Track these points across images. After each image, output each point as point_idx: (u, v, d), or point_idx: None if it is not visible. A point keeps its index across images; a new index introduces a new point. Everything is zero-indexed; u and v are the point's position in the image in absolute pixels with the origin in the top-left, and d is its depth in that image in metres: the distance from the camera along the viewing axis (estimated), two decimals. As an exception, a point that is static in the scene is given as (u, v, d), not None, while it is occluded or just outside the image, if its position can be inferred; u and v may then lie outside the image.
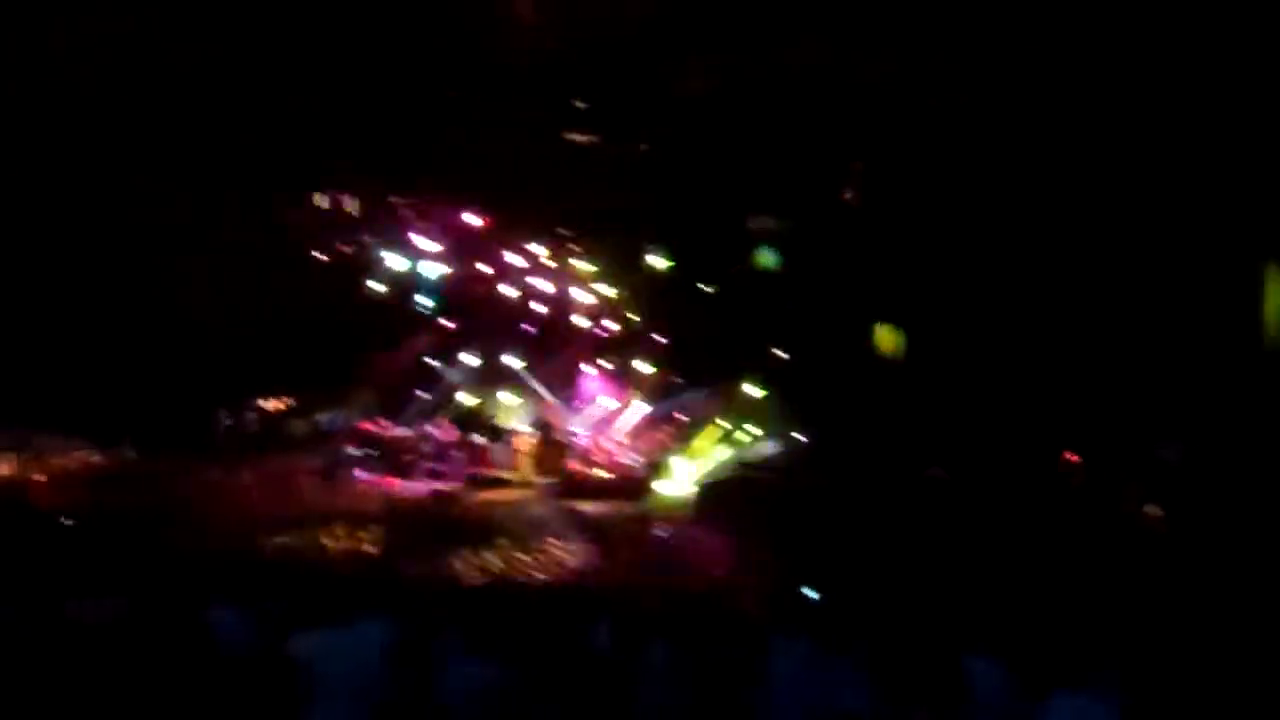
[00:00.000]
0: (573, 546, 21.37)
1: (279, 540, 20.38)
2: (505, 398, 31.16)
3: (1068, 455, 24.67)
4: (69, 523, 19.54)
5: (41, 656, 7.07)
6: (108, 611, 7.73)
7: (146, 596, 8.21)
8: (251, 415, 30.19)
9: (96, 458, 25.78)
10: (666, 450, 29.72)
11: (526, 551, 20.80)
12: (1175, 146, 20.20)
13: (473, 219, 29.56)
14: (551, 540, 21.61)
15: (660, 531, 23.40)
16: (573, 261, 30.67)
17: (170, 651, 6.92)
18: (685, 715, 7.37)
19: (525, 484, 28.11)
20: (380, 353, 29.77)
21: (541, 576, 19.43)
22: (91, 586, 8.44)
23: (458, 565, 19.51)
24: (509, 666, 7.26)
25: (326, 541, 20.59)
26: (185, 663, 6.90)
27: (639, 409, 30.79)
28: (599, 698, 7.26)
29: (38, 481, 23.55)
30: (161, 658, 6.88)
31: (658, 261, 29.37)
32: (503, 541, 21.18)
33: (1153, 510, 22.00)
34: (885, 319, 26.10)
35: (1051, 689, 6.80)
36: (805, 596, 15.32)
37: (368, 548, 20.63)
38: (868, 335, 26.18)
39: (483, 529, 22.46)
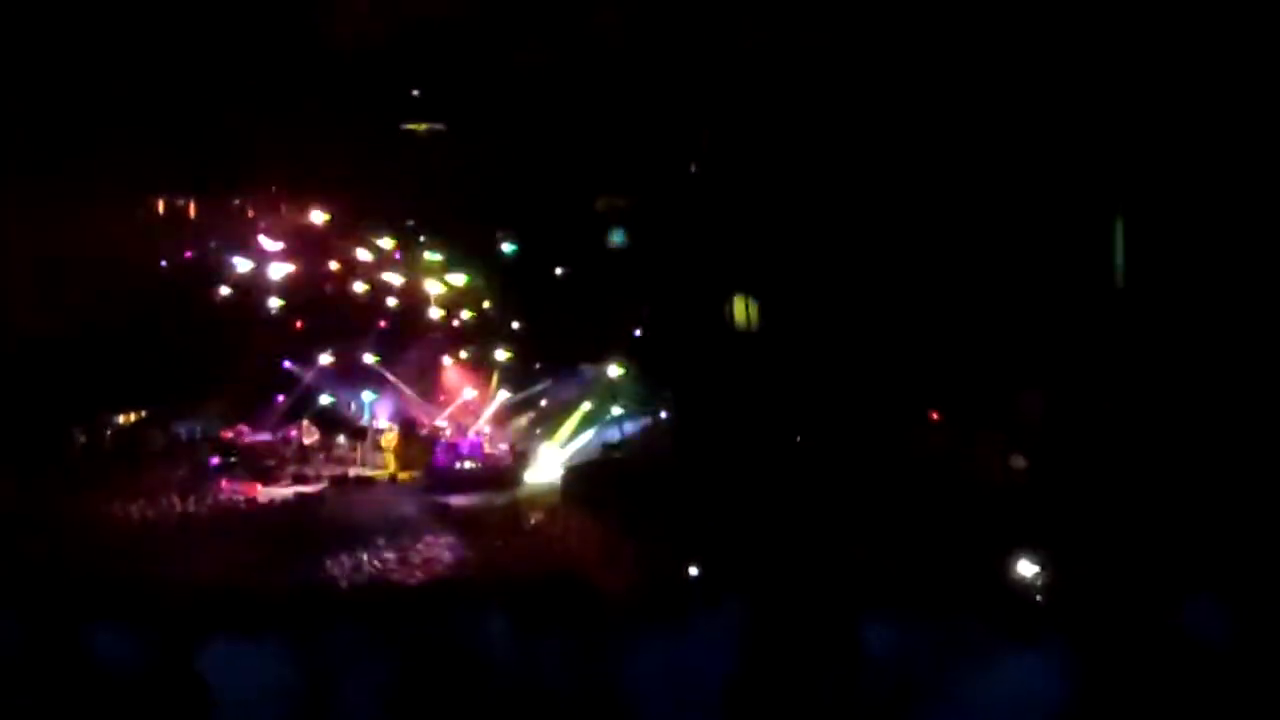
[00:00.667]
0: (444, 540, 21.25)
1: (148, 555, 20.04)
2: (365, 395, 30.93)
3: (929, 412, 24.94)
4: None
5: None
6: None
7: (20, 618, 7.99)
8: (106, 430, 29.66)
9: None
10: (532, 438, 29.71)
11: (399, 550, 20.65)
12: (1023, 93, 20.45)
13: (317, 216, 29.26)
14: (423, 536, 21.49)
15: (530, 519, 23.40)
16: (422, 253, 30.46)
17: (52, 673, 6.74)
18: (562, 700, 7.35)
19: (392, 481, 27.94)
20: (234, 358, 29.36)
21: (418, 573, 19.28)
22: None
23: (331, 568, 19.30)
24: (402, 666, 7.17)
25: (196, 553, 20.27)
26: (69, 684, 6.72)
27: (501, 398, 30.71)
28: (490, 691, 7.21)
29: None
30: (43, 680, 6.70)
31: (507, 247, 29.26)
32: (376, 540, 21.01)
33: (1017, 461, 22.28)
34: (738, 290, 26.18)
35: (982, 649, 6.83)
36: (676, 571, 15.39)
37: (240, 556, 20.33)
38: (722, 307, 26.26)
39: (353, 530, 22.28)
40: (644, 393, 29.10)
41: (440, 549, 20.74)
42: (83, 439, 28.85)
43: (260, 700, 6.54)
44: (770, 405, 24.96)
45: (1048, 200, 21.25)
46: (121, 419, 30.09)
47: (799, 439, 25.11)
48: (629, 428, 29.06)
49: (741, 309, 26.19)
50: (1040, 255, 21.55)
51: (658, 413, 28.86)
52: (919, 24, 19.99)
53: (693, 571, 15.12)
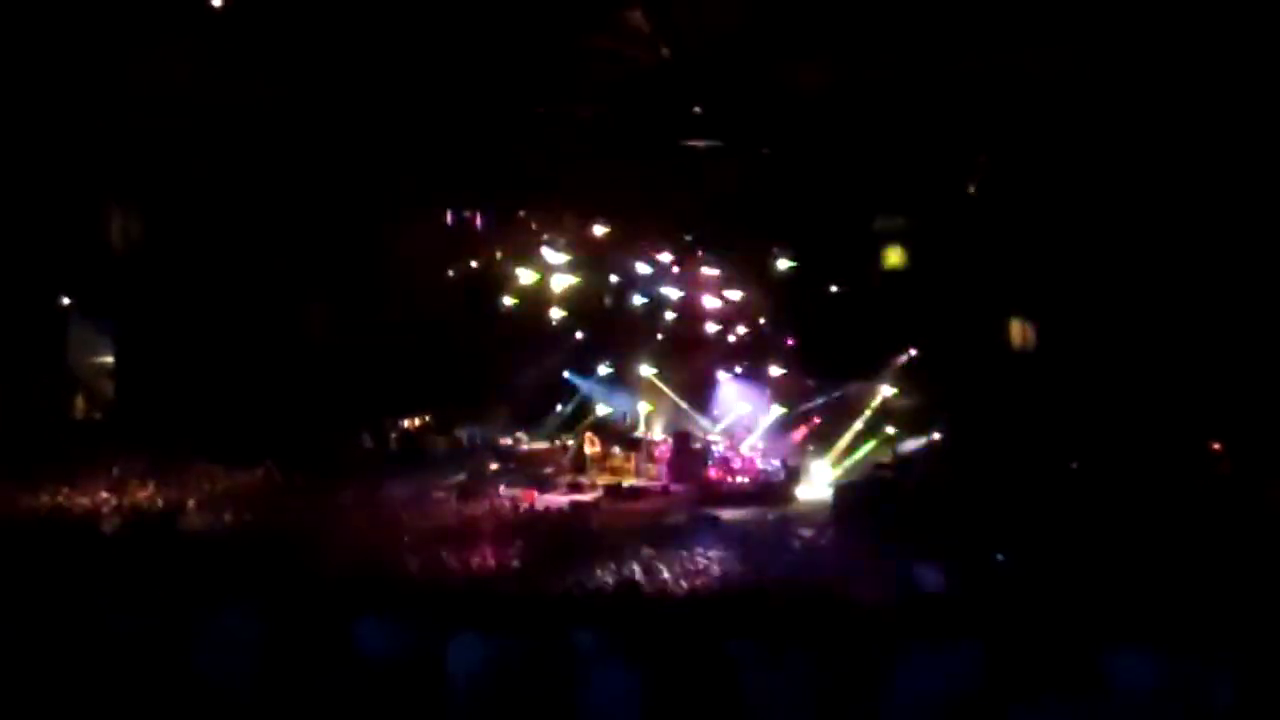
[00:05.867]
0: (714, 554, 21.32)
1: (423, 555, 20.59)
2: (641, 407, 31.33)
3: (1212, 444, 24.28)
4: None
5: (192, 671, 7.24)
6: (258, 625, 7.93)
7: (296, 610, 8.40)
8: (393, 434, 30.66)
9: (242, 479, 26.24)
10: (804, 453, 29.72)
11: (668, 560, 20.77)
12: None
13: (598, 230, 29.74)
14: (693, 548, 21.61)
15: (801, 535, 23.33)
16: (699, 268, 30.70)
17: (319, 662, 7.08)
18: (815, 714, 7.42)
19: (664, 492, 28.17)
20: (515, 367, 30.08)
21: (684, 584, 19.36)
22: (242, 603, 8.63)
23: (600, 575, 19.50)
24: (651, 673, 7.33)
25: (471, 556, 20.74)
26: (334, 672, 7.06)
27: (774, 413, 30.78)
28: (738, 706, 7.30)
29: (186, 504, 23.97)
30: (311, 668, 7.05)
31: (784, 264, 29.32)
32: (646, 550, 21.19)
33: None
34: (1017, 312, 25.85)
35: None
36: (937, 592, 15.23)
37: (511, 560, 20.76)
38: (1001, 329, 25.95)
39: (624, 538, 22.54)
40: (918, 413, 28.93)
41: (710, 562, 20.81)
42: (370, 442, 29.87)
43: (514, 700, 6.76)
44: (1047, 430, 24.59)
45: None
46: (407, 423, 31.11)
47: (1075, 465, 24.73)
48: (902, 448, 28.92)
49: (1018, 331, 25.84)
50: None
51: (932, 434, 28.66)
52: (1205, 43, 19.44)
53: (955, 589, 14.96)
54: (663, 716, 7.18)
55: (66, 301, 29.96)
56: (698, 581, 19.29)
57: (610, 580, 19.21)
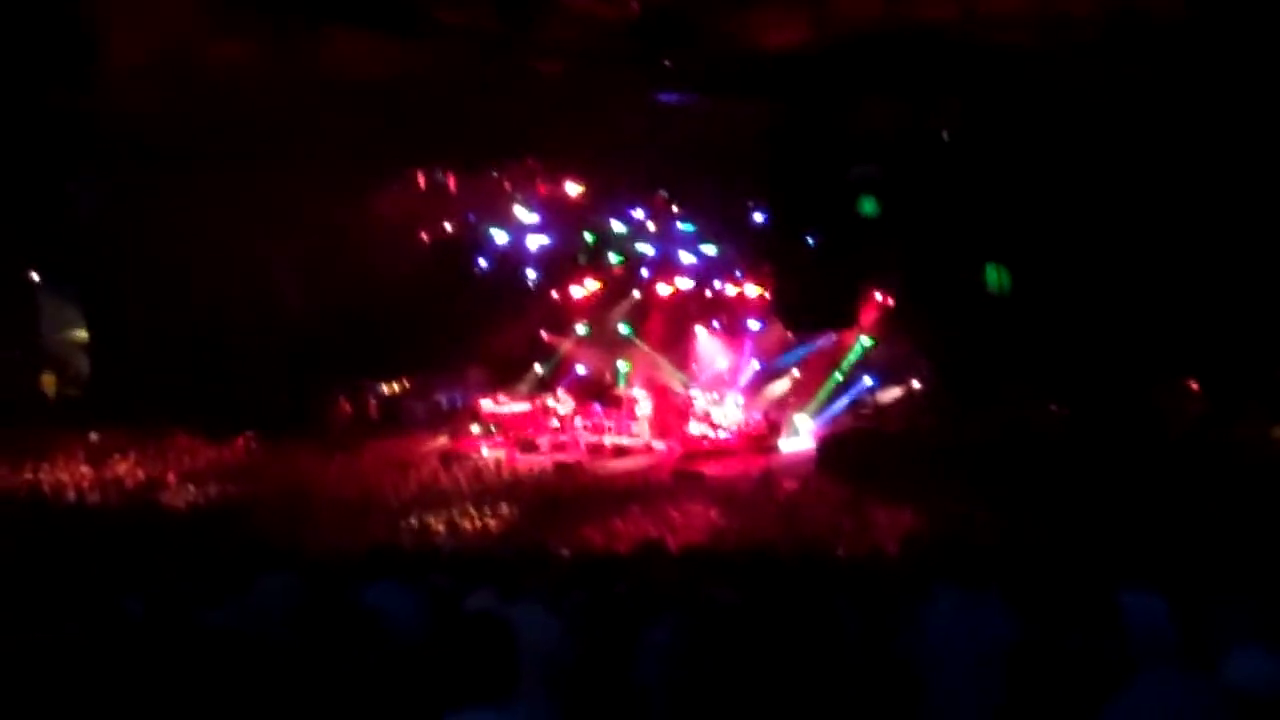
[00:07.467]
0: (699, 508, 21.29)
1: (412, 521, 20.53)
2: (620, 364, 31.25)
3: (1188, 381, 24.35)
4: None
5: (212, 647, 7.08)
6: (277, 593, 7.81)
7: (308, 579, 8.27)
8: (372, 400, 30.57)
9: (222, 451, 26.14)
10: (785, 406, 29.70)
11: (655, 517, 20.73)
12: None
13: (571, 188, 29.64)
14: (680, 504, 21.58)
15: (784, 487, 23.31)
16: (675, 224, 30.59)
17: (343, 632, 6.95)
18: (848, 669, 7.32)
19: (647, 450, 28.12)
20: (492, 328, 29.96)
21: (677, 541, 19.30)
22: (239, 574, 8.49)
23: (590, 535, 19.46)
24: (689, 634, 7.24)
25: (459, 520, 20.68)
26: (360, 642, 6.93)
27: (754, 367, 30.75)
28: (785, 663, 7.19)
29: (167, 478, 23.84)
30: (335, 638, 6.91)
31: (759, 217, 29.21)
32: (633, 508, 21.15)
33: (1278, 431, 21.67)
34: (992, 256, 25.80)
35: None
36: (942, 539, 15.24)
37: (500, 523, 20.71)
38: (978, 275, 25.90)
39: (610, 497, 22.51)
40: (898, 362, 28.93)
41: (696, 517, 20.77)
42: (349, 408, 29.78)
43: (549, 660, 6.67)
44: (1025, 373, 24.65)
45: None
46: (386, 389, 31.00)
47: (1054, 407, 24.80)
48: (882, 396, 28.93)
49: (994, 276, 25.82)
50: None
51: (910, 381, 28.69)
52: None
53: (948, 540, 14.96)
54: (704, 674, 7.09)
55: (34, 276, 29.73)
56: (689, 536, 19.24)
57: (597, 540, 19.16)
